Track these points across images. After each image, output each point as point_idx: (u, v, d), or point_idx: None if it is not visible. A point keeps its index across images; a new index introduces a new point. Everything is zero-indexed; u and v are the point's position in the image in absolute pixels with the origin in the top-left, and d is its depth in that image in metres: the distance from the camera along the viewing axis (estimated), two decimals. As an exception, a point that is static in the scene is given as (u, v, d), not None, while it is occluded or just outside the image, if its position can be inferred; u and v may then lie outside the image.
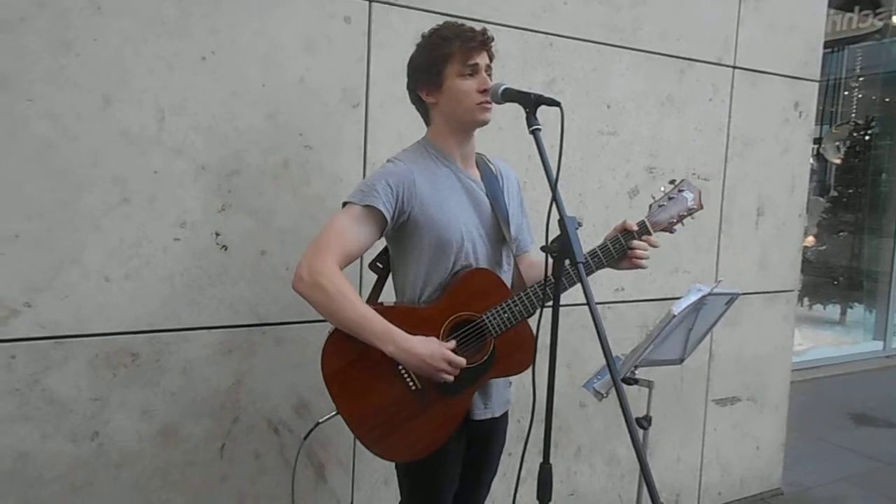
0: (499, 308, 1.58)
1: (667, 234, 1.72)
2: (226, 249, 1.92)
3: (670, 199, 1.70)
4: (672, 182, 1.73)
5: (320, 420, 1.72)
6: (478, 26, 1.63)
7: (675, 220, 1.71)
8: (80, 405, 1.77)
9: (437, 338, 1.55)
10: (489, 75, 1.62)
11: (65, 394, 1.75)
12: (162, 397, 1.88)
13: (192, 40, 1.83)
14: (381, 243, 1.73)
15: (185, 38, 1.82)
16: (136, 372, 1.84)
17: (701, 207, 1.73)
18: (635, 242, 1.65)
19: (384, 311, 1.55)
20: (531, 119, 1.45)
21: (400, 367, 1.54)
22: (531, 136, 1.44)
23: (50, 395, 1.73)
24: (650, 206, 1.71)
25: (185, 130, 1.84)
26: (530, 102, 1.46)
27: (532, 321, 1.59)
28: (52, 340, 1.73)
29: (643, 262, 1.66)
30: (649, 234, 1.67)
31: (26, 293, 1.69)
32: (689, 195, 1.71)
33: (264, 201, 1.96)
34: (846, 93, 7.07)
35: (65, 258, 1.73)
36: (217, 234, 1.91)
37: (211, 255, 1.90)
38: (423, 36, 1.65)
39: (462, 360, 1.53)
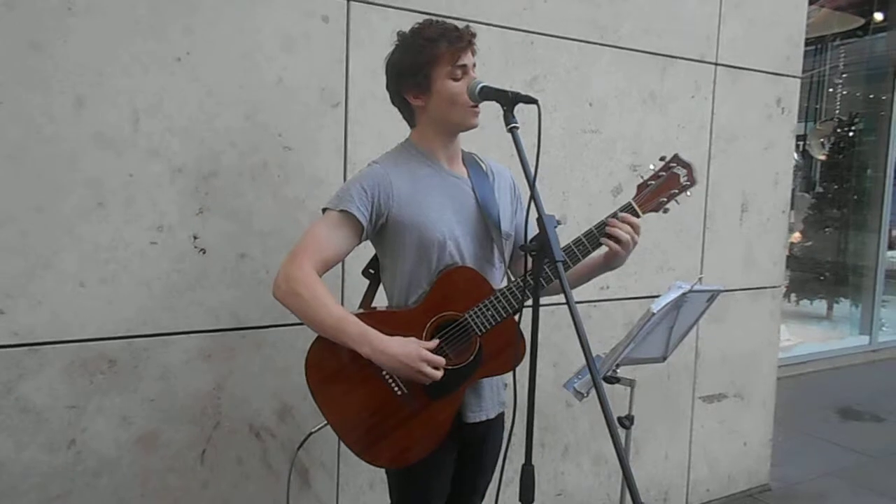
0: (481, 306, 1.55)
1: (652, 230, 1.67)
2: (204, 253, 1.90)
3: (659, 177, 1.62)
4: (662, 158, 1.65)
5: (312, 430, 1.70)
6: (460, 24, 1.59)
7: (665, 200, 1.62)
8: (56, 413, 1.74)
9: (420, 339, 1.52)
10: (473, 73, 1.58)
11: (40, 402, 1.72)
12: (140, 404, 1.85)
13: (166, 41, 1.80)
14: (373, 250, 1.70)
15: (159, 39, 1.79)
16: (114, 378, 1.81)
17: (694, 183, 1.63)
18: (611, 220, 1.57)
19: (365, 315, 1.53)
20: (509, 117, 1.44)
21: (384, 373, 1.52)
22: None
23: (24, 404, 1.70)
24: (638, 186, 1.64)
25: (160, 132, 1.81)
26: (508, 100, 1.44)
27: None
28: (26, 347, 1.70)
29: (618, 242, 1.55)
30: (637, 215, 1.60)
31: (-1, 300, 1.66)
32: (680, 171, 1.62)
33: (243, 203, 1.94)
34: (830, 89, 7.11)
35: (39, 263, 1.70)
36: (195, 238, 1.88)
37: (189, 259, 1.88)
38: (401, 35, 1.60)
39: (440, 360, 1.49)
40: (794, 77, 3.16)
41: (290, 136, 1.99)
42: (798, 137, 3.43)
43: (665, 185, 1.63)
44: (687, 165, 1.64)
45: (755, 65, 3.02)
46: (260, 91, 1.93)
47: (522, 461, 1.41)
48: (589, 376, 1.66)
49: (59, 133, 1.70)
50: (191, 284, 1.88)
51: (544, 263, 1.39)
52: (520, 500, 1.42)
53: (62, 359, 1.74)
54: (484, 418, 1.64)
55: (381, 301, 1.71)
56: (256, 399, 2.01)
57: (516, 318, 1.56)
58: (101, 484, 1.81)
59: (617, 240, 1.57)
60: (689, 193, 1.65)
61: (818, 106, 7.19)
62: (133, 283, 1.81)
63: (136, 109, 1.78)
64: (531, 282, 1.43)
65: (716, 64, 2.89)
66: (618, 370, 1.75)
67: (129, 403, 1.83)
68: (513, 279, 1.68)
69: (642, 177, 1.66)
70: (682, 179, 1.63)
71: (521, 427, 1.43)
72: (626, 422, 1.79)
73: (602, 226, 1.59)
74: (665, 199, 1.63)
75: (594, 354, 1.31)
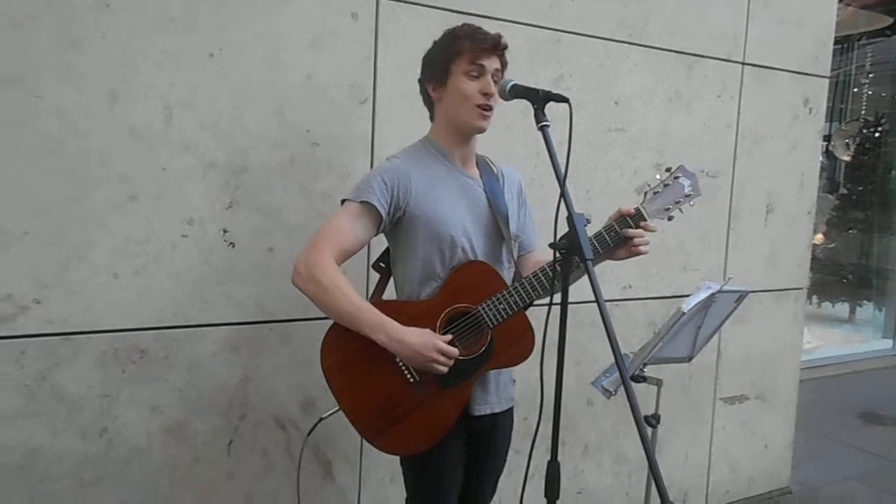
0: (494, 299, 1.59)
1: (679, 212, 1.69)
2: (233, 246, 1.92)
3: (666, 185, 1.66)
4: (668, 169, 1.70)
5: (323, 416, 1.73)
6: (493, 31, 1.63)
7: (671, 207, 1.67)
8: (88, 401, 1.78)
9: (434, 331, 1.56)
10: (497, 81, 1.61)
11: (74, 390, 1.76)
12: (170, 394, 1.88)
13: (199, 37, 1.83)
14: (384, 244, 1.73)
15: (192, 35, 1.82)
16: (145, 368, 1.84)
17: (699, 194, 1.68)
18: (631, 231, 1.61)
19: (380, 304, 1.57)
20: (539, 115, 1.45)
21: (398, 360, 1.55)
22: (538, 133, 1.44)
23: (59, 392, 1.74)
24: (645, 192, 1.67)
25: (192, 127, 1.84)
26: (538, 99, 1.46)
27: (540, 319, 1.58)
28: (61, 337, 1.73)
29: (641, 248, 1.62)
30: (645, 220, 1.63)
31: (35, 289, 1.70)
32: (685, 182, 1.66)
33: (272, 198, 1.96)
34: (856, 89, 7.01)
35: (73, 255, 1.73)
36: (224, 231, 1.91)
37: (218, 252, 1.91)
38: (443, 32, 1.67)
39: (455, 351, 1.54)
40: (821, 77, 3.13)
41: (318, 133, 2.01)
42: (822, 138, 3.39)
43: (670, 194, 1.67)
44: (692, 176, 1.69)
45: (782, 64, 2.99)
46: (289, 87, 1.96)
47: (544, 458, 1.42)
48: (617, 374, 1.66)
49: (94, 127, 1.73)
50: (220, 277, 1.91)
51: (563, 262, 1.40)
52: (545, 495, 1.43)
53: (95, 348, 1.78)
54: (489, 412, 1.68)
55: (389, 296, 1.74)
56: (282, 392, 2.04)
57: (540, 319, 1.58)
58: (131, 471, 1.84)
59: (638, 250, 1.63)
60: (692, 203, 1.70)
61: (843, 106, 7.09)
62: (164, 276, 1.84)
63: (168, 105, 1.81)
64: (559, 279, 1.44)
65: (743, 63, 2.87)
66: (644, 369, 1.75)
67: (159, 393, 1.86)
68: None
69: (649, 184, 1.70)
70: (686, 189, 1.68)
71: (543, 423, 1.45)
72: (653, 421, 1.79)
73: (611, 229, 1.62)
74: (670, 207, 1.68)
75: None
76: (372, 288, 2.08)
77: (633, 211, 1.63)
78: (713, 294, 1.67)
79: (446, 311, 1.58)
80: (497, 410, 1.71)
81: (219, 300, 1.92)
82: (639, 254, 1.64)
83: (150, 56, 1.77)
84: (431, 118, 1.72)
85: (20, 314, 1.68)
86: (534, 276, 1.59)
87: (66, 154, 1.70)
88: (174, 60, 1.80)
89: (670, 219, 1.69)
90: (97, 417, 1.79)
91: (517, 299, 1.59)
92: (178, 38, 1.80)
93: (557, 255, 1.41)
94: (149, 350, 1.84)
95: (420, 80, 1.70)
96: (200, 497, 1.95)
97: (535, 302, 1.67)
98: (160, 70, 1.79)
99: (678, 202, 1.67)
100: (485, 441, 1.73)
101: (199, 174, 1.86)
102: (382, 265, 1.74)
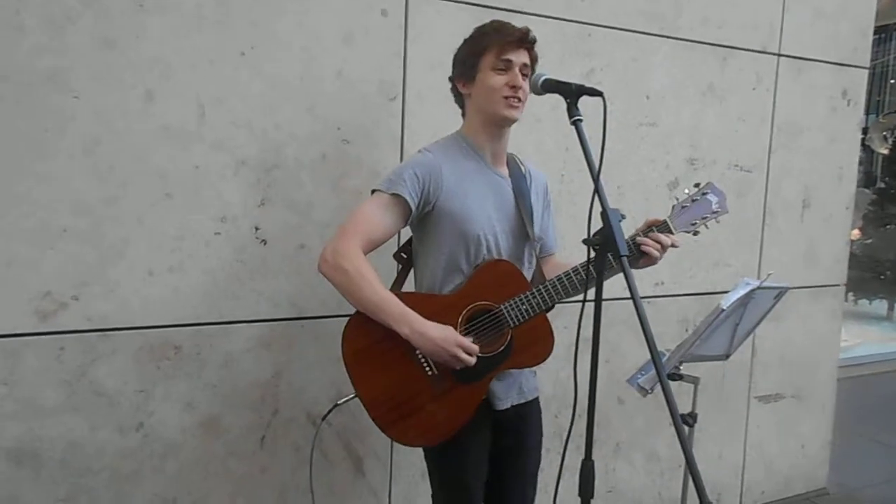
0: (517, 300, 1.59)
1: (704, 228, 1.69)
2: (265, 243, 1.94)
3: (693, 201, 1.68)
4: (697, 185, 1.71)
5: (338, 402, 1.74)
6: (521, 25, 1.63)
7: (697, 223, 1.68)
8: (125, 397, 1.81)
9: (455, 326, 1.56)
10: (526, 76, 1.61)
11: (111, 385, 1.79)
12: (203, 389, 1.90)
13: (231, 35, 1.84)
14: (406, 234, 1.73)
15: (224, 34, 1.83)
16: (179, 364, 1.87)
17: (726, 211, 1.70)
18: (639, 238, 1.61)
19: (403, 296, 1.57)
20: (572, 110, 1.43)
21: (418, 352, 1.56)
22: (569, 128, 1.42)
23: (97, 387, 1.77)
24: (673, 206, 1.69)
25: (225, 125, 1.86)
26: (571, 93, 1.44)
27: (573, 315, 1.56)
28: (99, 333, 1.76)
29: (653, 252, 1.60)
30: (671, 232, 1.64)
31: (74, 287, 1.73)
32: (713, 198, 1.67)
33: (303, 195, 1.97)
34: (893, 80, 6.83)
35: (110, 252, 1.76)
36: (257, 228, 1.93)
37: (251, 249, 1.92)
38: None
39: (475, 347, 1.54)
40: (861, 68, 3.04)
41: (349, 129, 2.02)
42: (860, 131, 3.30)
43: (697, 210, 1.68)
44: (720, 193, 1.69)
45: (820, 55, 2.91)
46: (320, 84, 1.96)
47: (575, 456, 1.41)
48: (653, 372, 1.64)
49: (130, 126, 1.75)
50: (252, 274, 1.93)
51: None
52: (579, 494, 1.42)
53: (132, 344, 1.80)
54: (509, 405, 1.69)
55: (408, 287, 1.74)
56: (313, 387, 2.05)
57: (570, 315, 1.57)
58: (167, 466, 1.87)
59: (649, 257, 1.62)
60: (718, 220, 1.71)
61: (880, 98, 6.92)
62: (198, 272, 1.86)
63: (201, 103, 1.82)
64: (594, 276, 1.42)
65: (778, 55, 2.80)
66: (681, 367, 1.72)
67: (193, 389, 1.89)
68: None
69: (677, 198, 1.71)
70: (713, 206, 1.69)
71: (567, 422, 1.43)
72: (690, 419, 1.76)
73: (637, 238, 1.62)
74: (696, 223, 1.68)
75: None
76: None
77: (660, 222, 1.65)
78: (752, 290, 1.63)
79: (468, 307, 1.59)
80: (518, 401, 1.71)
81: (251, 297, 1.94)
82: (651, 260, 1.62)
83: (183, 54, 1.79)
84: (463, 115, 1.72)
85: (59, 311, 1.72)
86: (558, 281, 1.59)
87: (103, 152, 1.73)
88: (207, 59, 1.82)
89: (696, 234, 1.70)
90: (134, 412, 1.82)
91: (539, 301, 1.60)
92: (211, 36, 1.82)
93: (591, 251, 1.40)
94: (183, 346, 1.87)
95: (451, 78, 1.71)
96: (234, 491, 1.97)
97: (567, 299, 1.66)
98: (193, 68, 1.80)
99: (705, 218, 1.69)
100: (513, 431, 1.73)
101: (231, 172, 1.88)
102: (404, 256, 1.75)
